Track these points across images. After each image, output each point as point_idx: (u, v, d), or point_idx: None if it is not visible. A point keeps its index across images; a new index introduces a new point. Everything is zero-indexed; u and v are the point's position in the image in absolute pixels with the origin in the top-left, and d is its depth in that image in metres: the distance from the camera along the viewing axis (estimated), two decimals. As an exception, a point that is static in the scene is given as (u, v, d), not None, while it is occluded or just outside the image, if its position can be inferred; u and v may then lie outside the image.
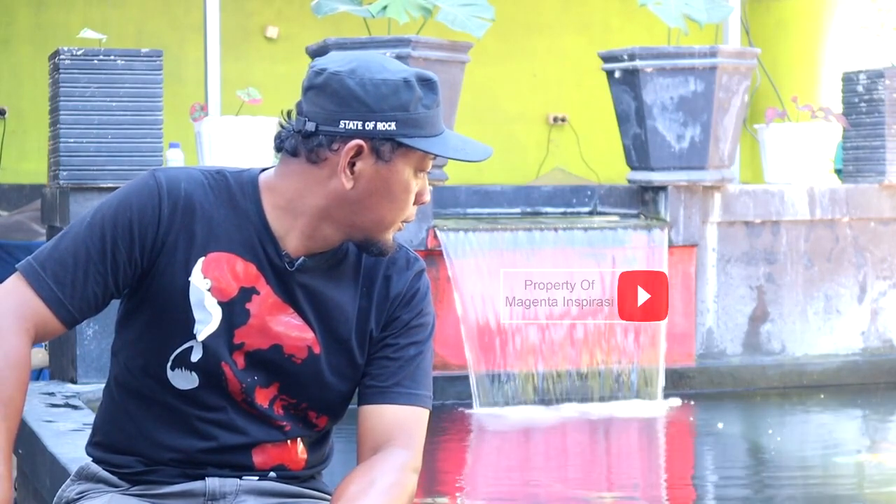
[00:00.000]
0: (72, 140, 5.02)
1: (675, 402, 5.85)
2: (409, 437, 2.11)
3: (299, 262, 2.09)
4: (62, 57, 5.01)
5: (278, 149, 2.09)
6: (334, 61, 2.03)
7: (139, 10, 8.76)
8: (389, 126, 2.00)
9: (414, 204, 2.09)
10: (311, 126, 2.02)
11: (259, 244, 2.08)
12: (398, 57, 5.34)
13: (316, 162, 2.03)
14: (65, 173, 5.01)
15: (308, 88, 2.04)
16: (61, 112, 5.01)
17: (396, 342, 2.14)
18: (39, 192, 6.00)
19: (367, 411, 2.12)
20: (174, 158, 6.05)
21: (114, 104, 5.04)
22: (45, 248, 2.08)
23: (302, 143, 2.04)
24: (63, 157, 5.01)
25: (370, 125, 2.00)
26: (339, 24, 7.25)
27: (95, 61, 5.03)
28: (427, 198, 2.10)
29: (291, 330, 2.10)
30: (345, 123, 2.01)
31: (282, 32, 8.99)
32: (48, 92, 5.32)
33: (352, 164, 2.02)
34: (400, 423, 2.10)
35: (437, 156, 2.05)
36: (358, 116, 2.01)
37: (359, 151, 2.02)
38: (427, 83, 2.03)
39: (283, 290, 2.09)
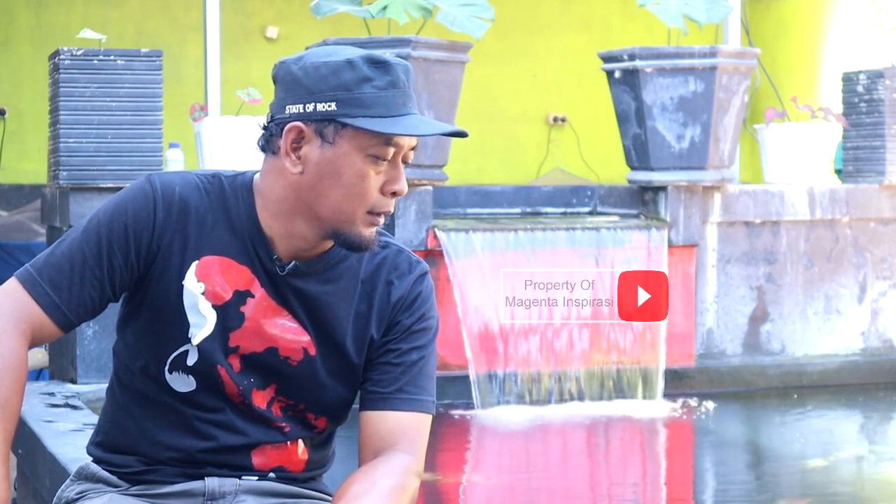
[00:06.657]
0: (72, 140, 5.01)
1: (675, 402, 5.85)
2: (412, 443, 2.09)
3: (290, 266, 2.08)
4: (62, 57, 5.01)
5: (261, 149, 2.10)
6: (295, 54, 2.05)
7: (139, 10, 8.75)
8: (329, 106, 1.98)
9: (385, 195, 2.02)
10: (268, 118, 2.05)
11: (252, 248, 2.09)
12: (398, 57, 5.32)
13: (275, 153, 2.04)
14: (65, 173, 5.01)
15: (273, 83, 2.06)
16: (61, 112, 5.01)
17: (398, 347, 2.13)
18: (39, 192, 6.00)
19: (368, 417, 2.11)
20: (174, 158, 6.04)
21: (114, 104, 5.04)
22: (42, 254, 2.09)
23: (264, 137, 2.06)
24: (63, 157, 5.01)
25: (310, 107, 1.99)
26: (339, 24, 7.25)
27: (95, 61, 5.03)
28: (398, 187, 2.02)
29: (286, 333, 2.10)
30: (289, 109, 2.01)
31: (282, 32, 8.99)
32: (48, 92, 5.31)
33: (297, 149, 2.01)
34: (402, 429, 2.09)
35: (386, 136, 1.98)
36: (299, 100, 2.00)
37: (301, 134, 2.01)
38: (380, 65, 2.00)
39: (276, 293, 2.09)
